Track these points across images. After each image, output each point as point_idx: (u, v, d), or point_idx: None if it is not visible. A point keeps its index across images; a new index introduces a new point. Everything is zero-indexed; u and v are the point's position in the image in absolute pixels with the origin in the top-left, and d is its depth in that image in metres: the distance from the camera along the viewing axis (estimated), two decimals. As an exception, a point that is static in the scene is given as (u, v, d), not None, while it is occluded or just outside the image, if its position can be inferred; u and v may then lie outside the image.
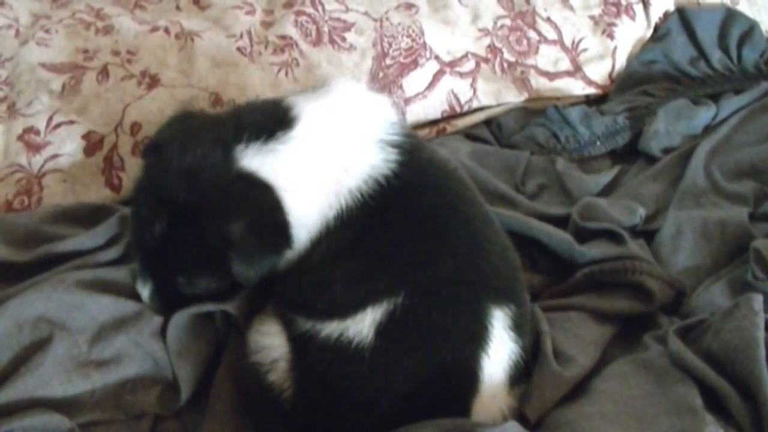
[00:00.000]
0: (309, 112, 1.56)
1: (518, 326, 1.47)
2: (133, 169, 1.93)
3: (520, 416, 1.44)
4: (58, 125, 1.93)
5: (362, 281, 1.44)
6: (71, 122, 1.93)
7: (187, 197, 1.45)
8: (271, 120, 1.55)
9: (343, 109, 1.60)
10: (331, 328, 1.42)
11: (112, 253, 1.70)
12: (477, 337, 1.41)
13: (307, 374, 1.43)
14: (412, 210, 1.49)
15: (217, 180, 1.47)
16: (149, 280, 1.56)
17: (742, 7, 2.69)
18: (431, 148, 1.66)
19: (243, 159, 1.48)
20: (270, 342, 1.49)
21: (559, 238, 1.81)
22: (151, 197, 1.51)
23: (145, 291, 1.57)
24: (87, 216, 1.79)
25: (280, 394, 1.44)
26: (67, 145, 1.92)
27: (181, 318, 1.55)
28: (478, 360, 1.41)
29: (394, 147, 1.53)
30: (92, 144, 1.93)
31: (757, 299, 1.44)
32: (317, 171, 1.51)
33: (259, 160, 1.49)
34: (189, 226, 1.46)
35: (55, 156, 1.90)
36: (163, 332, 1.54)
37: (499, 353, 1.43)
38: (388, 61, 2.25)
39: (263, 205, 1.48)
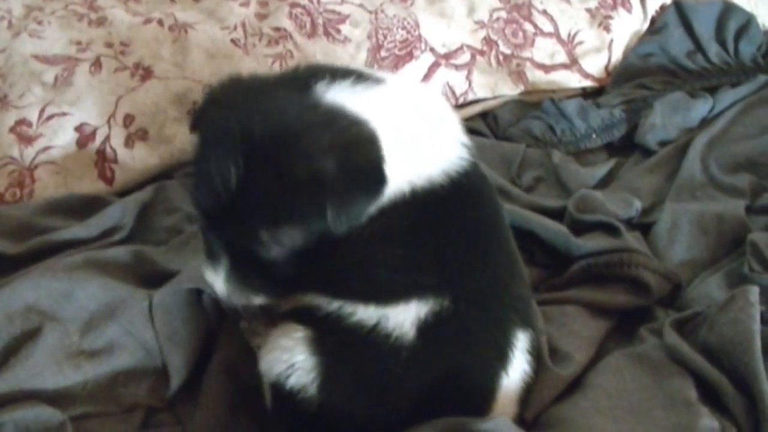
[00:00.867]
0: (396, 82, 1.49)
1: (533, 350, 1.45)
2: (126, 160, 1.93)
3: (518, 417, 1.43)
4: (50, 117, 1.92)
5: (410, 270, 1.36)
6: (64, 114, 1.93)
7: (265, 133, 1.27)
8: (357, 71, 1.43)
9: (426, 96, 1.54)
10: (366, 314, 1.35)
11: (106, 244, 1.69)
12: (503, 357, 1.39)
13: (335, 364, 1.35)
14: (470, 214, 1.44)
15: (298, 112, 1.31)
16: (223, 257, 1.37)
17: (739, 0, 2.68)
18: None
19: (327, 94, 1.35)
20: (280, 352, 1.39)
21: (556, 230, 1.80)
22: (220, 145, 1.30)
23: (218, 277, 1.38)
24: (80, 207, 1.79)
25: (305, 393, 1.35)
26: (60, 137, 1.91)
27: (165, 297, 1.52)
28: (499, 379, 1.38)
29: (466, 148, 1.46)
30: (85, 136, 1.93)
31: (753, 291, 1.43)
32: (407, 130, 1.40)
33: (348, 95, 1.35)
34: (271, 165, 1.27)
35: (47, 148, 1.90)
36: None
37: (516, 374, 1.41)
38: (383, 54, 2.24)
39: (358, 138, 1.31)
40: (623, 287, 1.69)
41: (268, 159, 1.27)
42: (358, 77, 1.40)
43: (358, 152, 1.30)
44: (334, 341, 1.37)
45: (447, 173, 1.39)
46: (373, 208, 1.33)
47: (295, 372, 1.36)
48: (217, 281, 1.39)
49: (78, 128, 1.93)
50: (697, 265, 1.78)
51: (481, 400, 1.38)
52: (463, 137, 1.47)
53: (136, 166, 1.94)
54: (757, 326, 1.38)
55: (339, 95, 1.35)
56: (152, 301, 1.53)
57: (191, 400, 1.49)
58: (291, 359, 1.37)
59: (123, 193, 1.88)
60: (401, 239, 1.37)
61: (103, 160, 1.92)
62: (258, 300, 1.42)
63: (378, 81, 1.43)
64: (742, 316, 1.40)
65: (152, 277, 1.62)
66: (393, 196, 1.35)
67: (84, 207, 1.78)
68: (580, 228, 1.84)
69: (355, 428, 1.36)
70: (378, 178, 1.30)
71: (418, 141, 1.41)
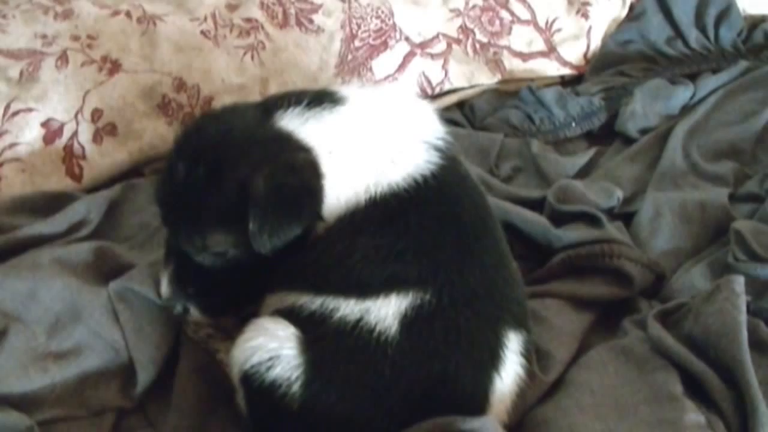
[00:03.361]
0: (359, 96, 1.54)
1: (527, 353, 1.42)
2: (94, 157, 1.89)
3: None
4: (16, 113, 1.87)
5: (388, 261, 1.37)
6: (30, 110, 1.88)
7: (213, 142, 1.43)
8: (317, 95, 1.52)
9: (393, 104, 1.57)
10: (347, 309, 1.34)
11: (72, 240, 1.67)
12: (494, 357, 1.37)
13: (321, 362, 1.33)
14: (447, 212, 1.44)
15: (249, 132, 1.44)
16: (171, 258, 1.49)
17: (718, -15, 2.66)
18: (465, 163, 1.61)
19: (282, 120, 1.45)
20: (266, 339, 1.35)
21: (535, 222, 1.78)
22: (177, 150, 1.47)
23: (164, 276, 1.49)
24: (47, 205, 1.76)
25: (288, 389, 1.32)
26: (26, 134, 1.87)
27: (126, 292, 1.53)
28: (492, 381, 1.36)
29: (437, 151, 1.48)
30: (52, 132, 1.89)
31: (739, 281, 1.42)
32: (359, 148, 1.46)
33: (299, 122, 1.45)
34: (208, 170, 1.39)
35: (13, 145, 1.85)
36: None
37: (509, 377, 1.38)
38: (357, 43, 2.21)
39: (296, 163, 1.40)
40: (605, 279, 1.67)
41: (206, 165, 1.39)
42: (314, 100, 1.49)
43: (289, 177, 1.39)
44: (321, 342, 1.34)
45: (412, 177, 1.43)
46: (333, 219, 1.43)
47: (279, 363, 1.33)
48: (163, 280, 1.49)
49: (44, 124, 1.88)
50: (681, 254, 1.77)
51: (476, 402, 1.35)
52: (435, 141, 1.50)
53: (105, 162, 1.91)
54: (743, 317, 1.36)
55: (291, 121, 1.45)
56: (110, 293, 1.53)
57: (163, 402, 1.46)
58: (278, 350, 1.34)
59: (92, 190, 1.85)
60: (373, 234, 1.41)
61: (71, 157, 1.89)
62: (195, 312, 1.52)
63: (336, 102, 1.51)
64: (728, 306, 1.38)
65: (117, 273, 1.59)
66: (351, 204, 1.43)
67: (50, 204, 1.75)
68: (560, 219, 1.82)
69: (340, 430, 1.33)
70: (307, 205, 1.41)
71: (375, 153, 1.46)
